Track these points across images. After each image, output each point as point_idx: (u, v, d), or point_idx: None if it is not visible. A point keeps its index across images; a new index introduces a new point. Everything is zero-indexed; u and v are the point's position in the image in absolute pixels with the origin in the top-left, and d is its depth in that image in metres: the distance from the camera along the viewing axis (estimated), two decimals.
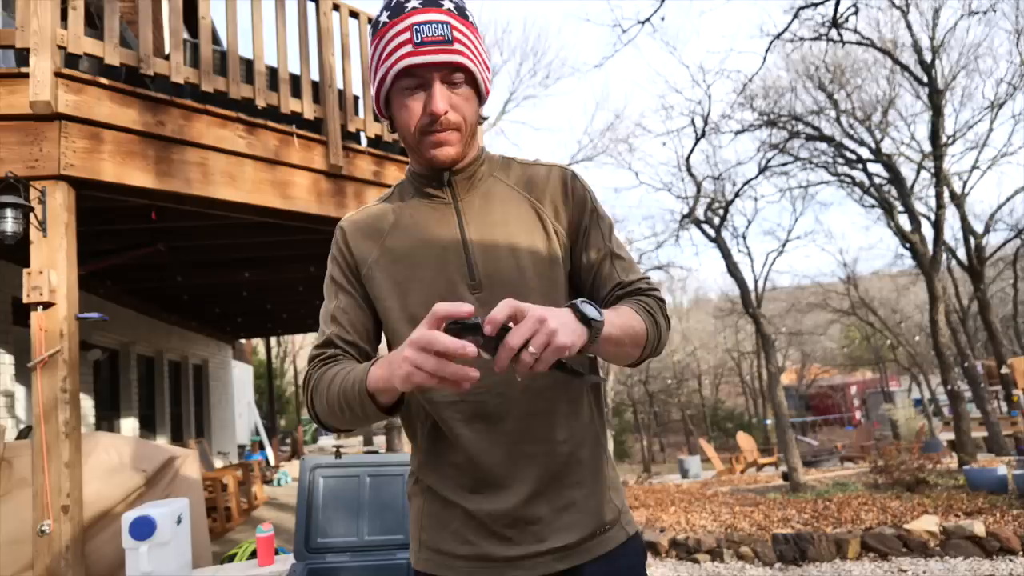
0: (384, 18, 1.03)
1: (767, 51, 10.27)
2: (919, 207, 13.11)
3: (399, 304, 1.07)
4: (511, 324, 0.78)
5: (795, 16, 9.29)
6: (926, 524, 5.34)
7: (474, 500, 1.05)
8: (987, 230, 14.09)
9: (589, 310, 0.85)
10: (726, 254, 12.13)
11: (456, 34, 1.00)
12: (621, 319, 0.93)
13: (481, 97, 1.08)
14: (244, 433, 15.07)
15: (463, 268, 1.05)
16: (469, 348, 0.74)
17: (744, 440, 16.23)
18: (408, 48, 0.99)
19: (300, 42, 4.23)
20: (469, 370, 0.76)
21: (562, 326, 0.79)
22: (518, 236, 1.07)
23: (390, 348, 1.10)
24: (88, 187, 3.33)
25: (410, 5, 1.00)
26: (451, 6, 1.02)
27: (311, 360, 1.09)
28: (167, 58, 3.65)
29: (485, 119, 1.14)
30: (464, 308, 0.77)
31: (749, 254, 32.71)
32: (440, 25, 0.99)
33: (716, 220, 13.18)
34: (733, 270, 11.96)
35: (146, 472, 3.62)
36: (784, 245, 18.58)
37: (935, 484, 7.92)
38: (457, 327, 0.76)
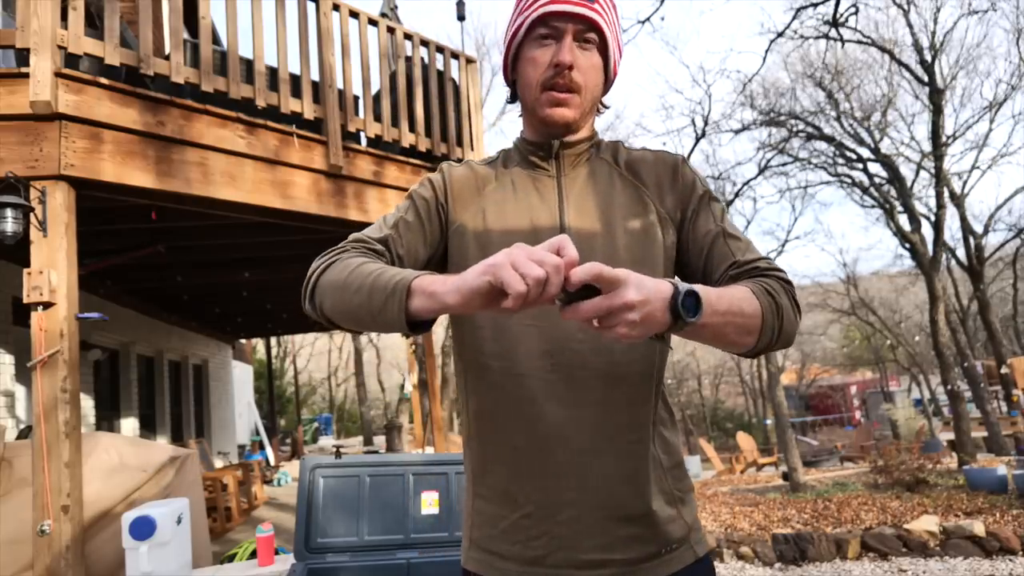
0: None
1: (767, 51, 10.29)
2: (919, 207, 13.12)
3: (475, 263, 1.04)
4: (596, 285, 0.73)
5: (795, 16, 9.30)
6: (926, 524, 5.34)
7: (530, 492, 0.98)
8: (987, 230, 14.11)
9: (687, 304, 0.76)
10: None
11: None
12: (726, 304, 0.83)
13: (608, 76, 1.07)
14: (244, 433, 15.07)
15: None
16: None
17: (744, 440, 16.24)
18: None
19: (300, 42, 4.23)
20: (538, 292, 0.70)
21: (644, 318, 0.73)
22: (616, 218, 1.03)
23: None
24: (88, 187, 3.33)
25: None
26: None
27: (351, 240, 0.99)
28: (167, 58, 3.65)
29: (607, 107, 1.13)
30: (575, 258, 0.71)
31: None
32: None
33: None
34: None
35: (146, 472, 3.62)
36: (784, 245, 18.57)
37: (935, 484, 7.92)
38: None
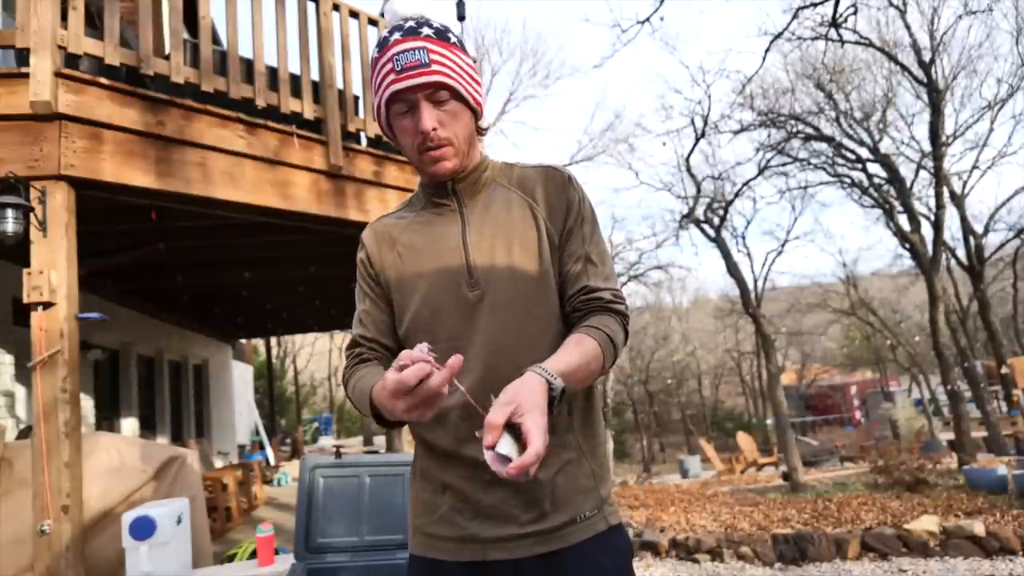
0: (375, 53, 1.14)
1: (766, 51, 10.23)
2: (919, 207, 13.10)
3: (405, 300, 1.17)
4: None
5: (795, 16, 9.28)
6: (926, 524, 5.34)
7: (460, 482, 1.11)
8: (987, 230, 14.11)
9: (555, 393, 0.92)
10: (726, 254, 12.14)
11: (433, 56, 1.09)
12: (583, 373, 1.01)
13: (473, 110, 1.16)
14: (244, 433, 15.05)
15: (463, 268, 1.13)
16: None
17: (744, 440, 16.24)
18: (392, 77, 1.09)
19: (300, 42, 4.23)
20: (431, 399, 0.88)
21: (538, 429, 0.84)
22: (514, 237, 1.15)
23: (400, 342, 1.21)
24: (88, 187, 3.33)
25: (393, 38, 1.11)
26: (430, 32, 1.11)
27: (347, 357, 1.23)
28: (167, 58, 3.65)
29: (485, 130, 1.21)
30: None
31: (749, 254, 32.50)
32: (417, 51, 1.08)
33: (716, 220, 13.18)
34: (733, 270, 11.97)
35: (147, 472, 3.62)
36: (783, 245, 18.55)
37: (935, 484, 7.92)
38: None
